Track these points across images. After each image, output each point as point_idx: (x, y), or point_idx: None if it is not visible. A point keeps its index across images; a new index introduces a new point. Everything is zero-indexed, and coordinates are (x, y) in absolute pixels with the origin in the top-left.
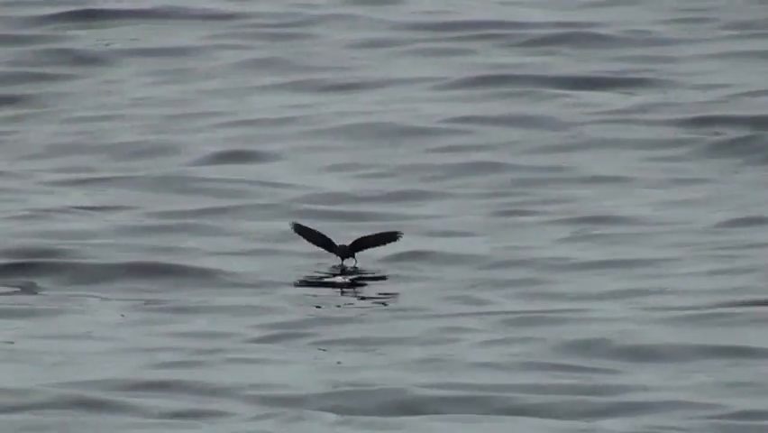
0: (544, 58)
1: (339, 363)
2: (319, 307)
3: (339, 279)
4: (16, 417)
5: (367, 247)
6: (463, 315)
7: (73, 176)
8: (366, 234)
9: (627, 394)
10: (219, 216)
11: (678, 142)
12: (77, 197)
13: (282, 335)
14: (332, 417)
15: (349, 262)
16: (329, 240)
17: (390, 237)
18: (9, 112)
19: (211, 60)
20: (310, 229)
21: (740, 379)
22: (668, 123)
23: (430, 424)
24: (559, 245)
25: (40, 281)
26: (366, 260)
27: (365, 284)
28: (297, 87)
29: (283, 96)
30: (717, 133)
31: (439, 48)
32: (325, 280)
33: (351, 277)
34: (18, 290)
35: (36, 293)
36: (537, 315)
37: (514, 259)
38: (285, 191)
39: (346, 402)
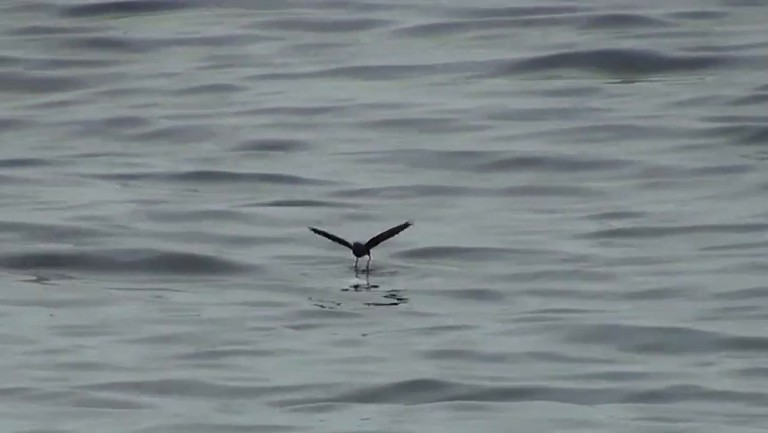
0: (586, 39)
1: (361, 354)
2: (339, 299)
3: (358, 273)
4: (35, 409)
5: (381, 241)
6: (482, 308)
7: (107, 161)
8: (379, 233)
9: (643, 382)
10: (246, 207)
11: (713, 133)
12: (112, 186)
13: (303, 325)
14: (354, 407)
15: (364, 261)
16: (345, 241)
17: (402, 228)
18: (44, 99)
19: (255, 49)
20: (326, 233)
21: (759, 368)
22: (706, 114)
23: (449, 414)
24: (586, 240)
25: (68, 271)
26: (385, 254)
27: (384, 278)
28: (343, 75)
29: (328, 85)
30: (753, 125)
31: (487, 34)
32: (345, 274)
33: (371, 271)
34: (46, 279)
35: (62, 284)
36: (558, 309)
37: (535, 254)
38: (314, 185)
39: (368, 393)
